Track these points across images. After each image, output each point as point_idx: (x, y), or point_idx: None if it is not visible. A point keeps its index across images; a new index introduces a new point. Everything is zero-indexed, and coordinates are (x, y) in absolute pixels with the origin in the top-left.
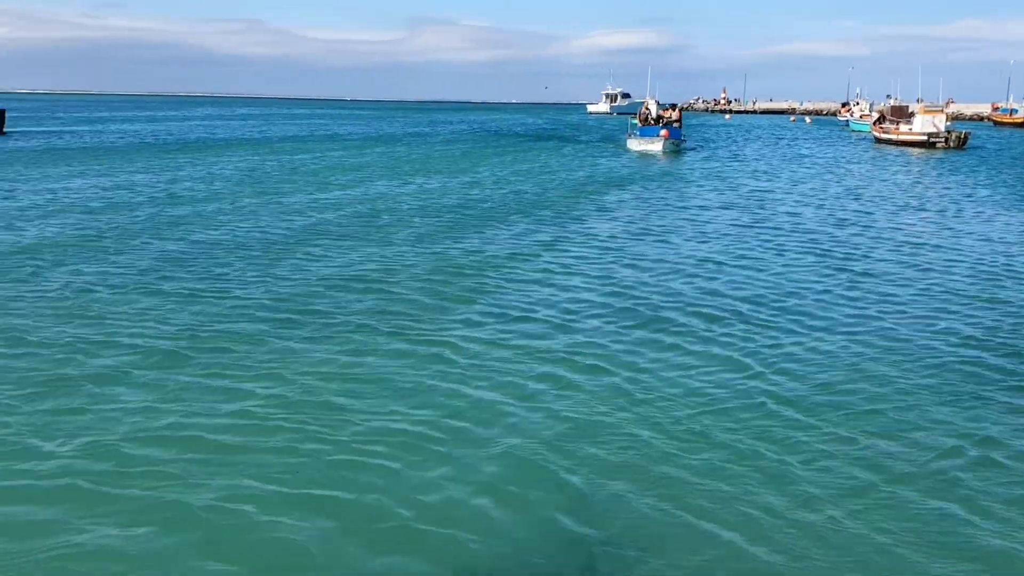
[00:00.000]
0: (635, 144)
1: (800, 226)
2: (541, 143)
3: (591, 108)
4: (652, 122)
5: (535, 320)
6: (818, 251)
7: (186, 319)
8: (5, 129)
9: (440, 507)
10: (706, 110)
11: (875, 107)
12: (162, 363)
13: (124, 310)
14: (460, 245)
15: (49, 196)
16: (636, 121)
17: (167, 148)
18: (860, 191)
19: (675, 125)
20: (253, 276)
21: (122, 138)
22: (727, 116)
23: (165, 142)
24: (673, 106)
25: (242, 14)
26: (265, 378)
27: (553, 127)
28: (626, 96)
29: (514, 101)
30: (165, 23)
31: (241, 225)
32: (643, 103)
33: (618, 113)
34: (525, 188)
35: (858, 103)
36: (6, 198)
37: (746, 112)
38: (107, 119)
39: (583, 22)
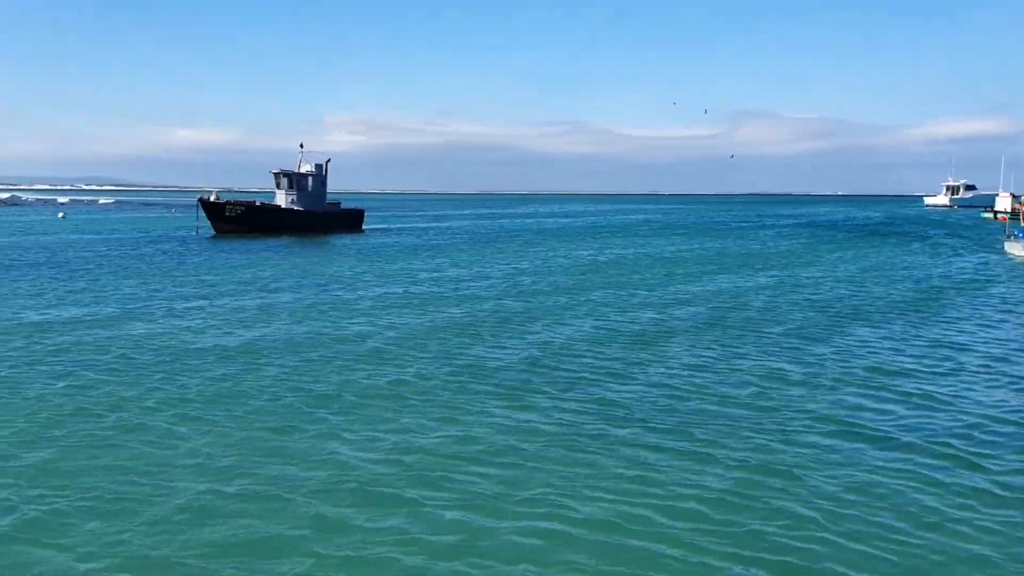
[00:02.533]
0: (1018, 248)
1: None
2: (881, 238)
3: (928, 200)
4: None
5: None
6: None
7: (577, 412)
8: (363, 227)
9: None
10: None
11: None
12: (571, 447)
13: (503, 398)
14: (850, 344)
15: (414, 287)
16: (988, 215)
17: (506, 242)
18: None
19: None
20: (637, 371)
21: (463, 234)
22: None
23: (504, 236)
24: None
25: (565, 116)
26: (695, 474)
27: (889, 220)
28: (970, 188)
29: (839, 193)
30: (498, 127)
31: (597, 318)
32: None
33: (960, 207)
34: (881, 286)
35: None
36: (378, 288)
37: None
38: (449, 216)
39: (916, 111)
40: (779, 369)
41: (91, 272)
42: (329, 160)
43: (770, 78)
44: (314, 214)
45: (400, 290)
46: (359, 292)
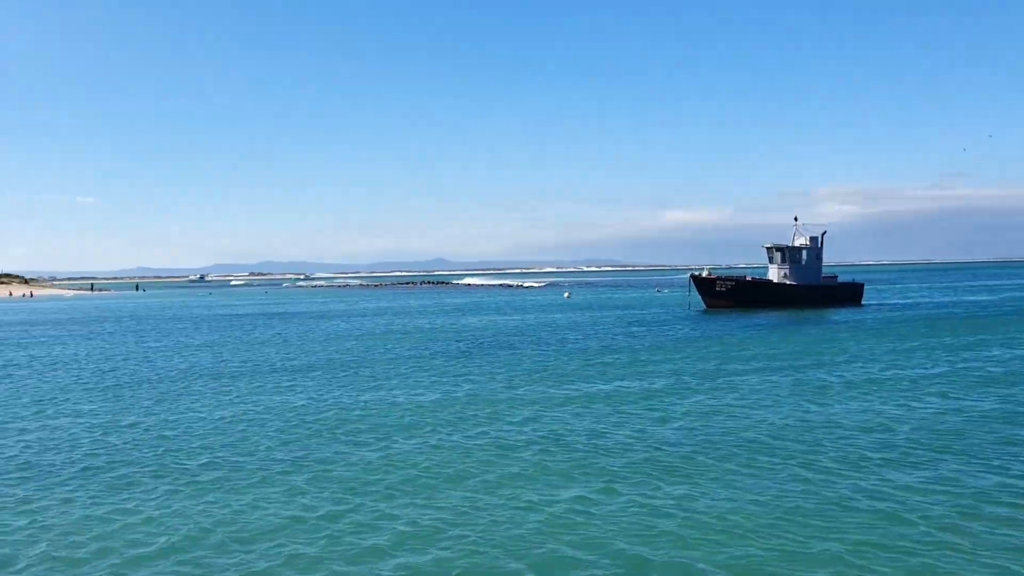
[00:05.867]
0: None
1: None
2: None
3: None
4: None
5: None
6: None
7: None
8: (863, 301)
9: None
10: None
11: None
12: None
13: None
14: None
15: (958, 368)
16: None
17: None
18: None
19: None
20: None
21: (988, 307)
22: None
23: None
24: None
25: None
26: None
27: None
28: None
29: None
30: (1014, 188)
31: None
32: None
33: None
34: None
35: None
36: (913, 370)
37: None
38: (966, 288)
39: None
40: None
41: (615, 350)
42: (825, 232)
43: None
44: (809, 288)
45: (940, 370)
46: (892, 372)
